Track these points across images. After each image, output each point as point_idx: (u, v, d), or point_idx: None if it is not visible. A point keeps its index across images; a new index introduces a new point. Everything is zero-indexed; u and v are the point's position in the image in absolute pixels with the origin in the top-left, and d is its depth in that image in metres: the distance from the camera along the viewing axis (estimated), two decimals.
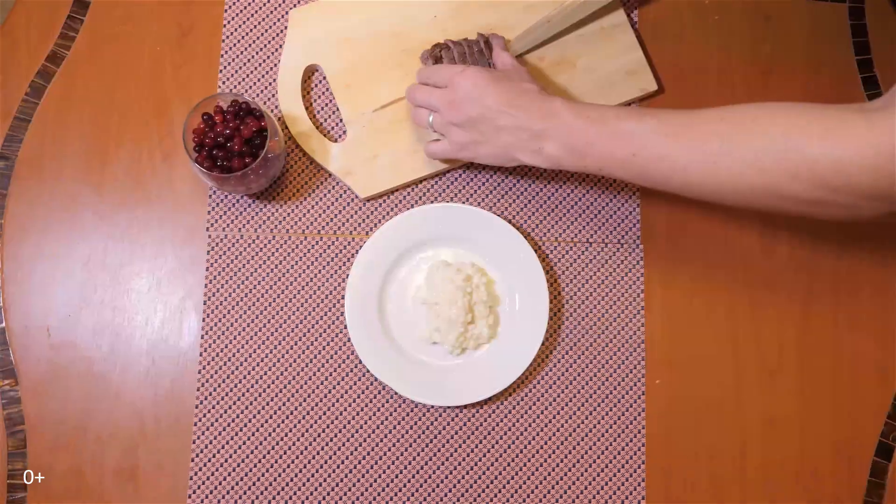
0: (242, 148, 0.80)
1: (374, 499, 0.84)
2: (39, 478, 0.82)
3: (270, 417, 0.85)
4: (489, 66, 0.85)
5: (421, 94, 0.82)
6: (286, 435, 0.84)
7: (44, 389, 0.84)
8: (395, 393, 0.85)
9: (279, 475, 0.84)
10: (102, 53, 0.90)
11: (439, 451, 0.85)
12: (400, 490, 0.84)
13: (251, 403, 0.85)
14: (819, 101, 0.90)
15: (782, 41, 0.94)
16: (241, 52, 0.90)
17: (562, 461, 0.86)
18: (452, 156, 0.82)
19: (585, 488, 0.85)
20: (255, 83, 0.90)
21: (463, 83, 0.77)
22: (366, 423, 0.85)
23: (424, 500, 0.84)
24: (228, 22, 0.90)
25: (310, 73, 0.90)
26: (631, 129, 0.71)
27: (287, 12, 0.91)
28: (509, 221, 0.88)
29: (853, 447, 0.88)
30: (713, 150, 0.66)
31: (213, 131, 0.80)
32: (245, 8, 0.91)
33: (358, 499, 0.84)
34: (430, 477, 0.85)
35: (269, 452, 0.84)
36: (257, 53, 0.90)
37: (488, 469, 0.85)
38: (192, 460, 0.83)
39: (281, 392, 0.85)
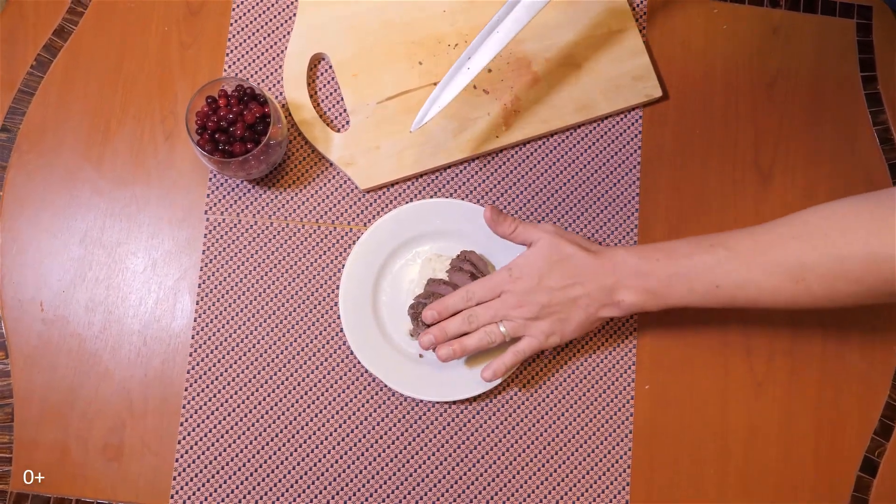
0: (245, 133, 0.80)
1: (360, 490, 0.84)
2: (40, 478, 0.82)
3: (259, 403, 0.85)
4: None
5: (470, 318, 0.78)
6: (274, 422, 0.84)
7: (34, 364, 0.84)
8: (386, 386, 0.85)
9: (265, 462, 0.84)
10: (110, 30, 0.90)
11: (426, 445, 0.85)
12: (385, 483, 0.84)
13: (241, 388, 0.85)
14: (821, 116, 0.93)
15: (789, 53, 0.94)
16: (249, 37, 0.90)
17: (549, 460, 0.86)
18: (542, 348, 0.79)
19: (572, 487, 0.85)
20: (260, 68, 0.90)
21: (518, 280, 0.77)
22: (354, 413, 0.85)
23: (409, 493, 0.84)
24: (238, 5, 0.90)
25: (316, 61, 0.90)
26: (705, 263, 0.73)
27: None
28: None
29: (837, 461, 0.88)
30: (796, 269, 0.70)
31: (216, 115, 0.80)
32: None
33: (344, 488, 0.84)
34: (415, 471, 0.85)
35: (256, 438, 0.84)
36: (265, 38, 0.90)
37: (475, 465, 0.85)
38: (179, 442, 0.83)
39: (271, 379, 0.85)
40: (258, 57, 0.90)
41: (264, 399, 0.85)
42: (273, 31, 0.90)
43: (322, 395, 0.85)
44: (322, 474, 0.84)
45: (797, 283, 0.70)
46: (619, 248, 0.77)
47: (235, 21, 0.90)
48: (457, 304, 0.79)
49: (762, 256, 0.71)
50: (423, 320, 0.81)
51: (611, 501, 0.85)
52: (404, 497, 0.84)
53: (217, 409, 0.84)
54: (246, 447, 0.84)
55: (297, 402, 0.85)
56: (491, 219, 0.80)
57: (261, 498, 0.83)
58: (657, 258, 0.75)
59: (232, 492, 0.83)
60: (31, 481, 0.82)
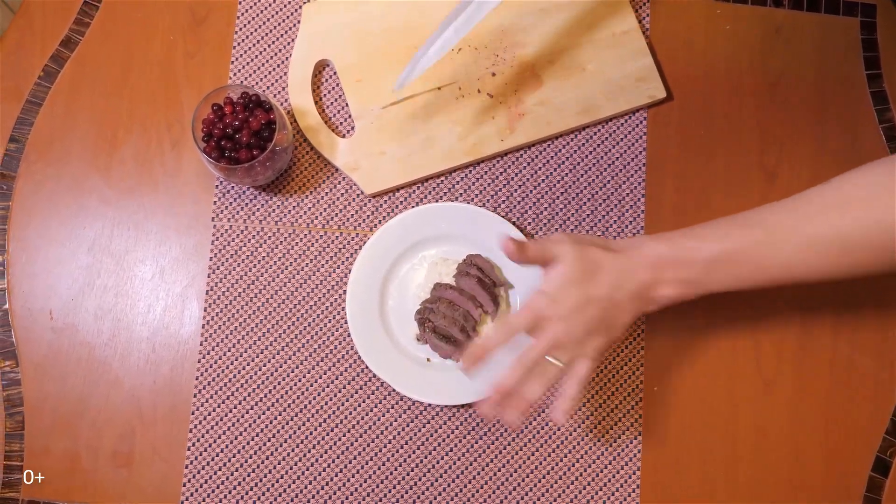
0: (250, 140, 0.80)
1: (369, 494, 0.84)
2: (40, 478, 0.82)
3: (268, 409, 0.85)
4: (494, 297, 0.84)
5: (523, 360, 0.70)
6: (283, 427, 0.85)
7: (44, 372, 0.84)
8: (393, 390, 0.85)
9: (274, 467, 0.84)
10: (116, 40, 0.90)
11: (435, 449, 0.85)
12: (395, 486, 0.84)
13: (249, 394, 0.85)
14: (827, 115, 0.93)
15: (792, 53, 0.94)
16: (254, 44, 0.91)
17: (559, 462, 0.86)
18: (598, 364, 0.77)
19: (582, 490, 0.85)
20: (265, 75, 0.90)
21: (559, 304, 0.70)
22: (363, 418, 0.85)
23: (418, 498, 0.84)
24: (242, 13, 0.91)
25: (320, 67, 0.90)
26: (744, 246, 0.70)
27: (301, 6, 0.91)
28: (513, 223, 0.88)
29: (848, 462, 0.87)
30: (841, 242, 0.67)
31: (221, 122, 0.81)
32: (259, 0, 0.91)
33: (352, 493, 0.84)
34: (425, 475, 0.85)
35: (265, 444, 0.84)
36: (269, 46, 0.91)
37: (484, 468, 0.85)
38: (188, 449, 0.83)
39: (279, 384, 0.85)
40: (263, 64, 0.90)
41: (273, 404, 0.85)
42: (277, 39, 0.91)
43: (330, 399, 0.85)
44: (331, 479, 0.84)
45: (844, 257, 0.67)
46: (644, 240, 0.72)
47: (240, 29, 0.91)
48: (499, 342, 0.71)
49: (803, 232, 0.68)
50: (463, 370, 0.71)
51: (622, 502, 0.85)
52: (413, 502, 0.84)
53: (226, 415, 0.84)
54: (255, 453, 0.84)
55: (305, 406, 0.85)
56: (516, 250, 0.72)
57: (271, 503, 0.83)
58: (690, 246, 0.71)
59: (242, 497, 0.83)
60: (31, 481, 0.82)
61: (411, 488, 0.84)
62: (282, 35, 0.91)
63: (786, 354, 0.89)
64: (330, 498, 0.84)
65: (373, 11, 0.90)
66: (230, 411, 0.84)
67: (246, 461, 0.84)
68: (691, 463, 0.86)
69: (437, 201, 0.89)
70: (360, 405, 0.85)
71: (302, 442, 0.84)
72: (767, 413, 0.88)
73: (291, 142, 0.85)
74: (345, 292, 0.86)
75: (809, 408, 0.88)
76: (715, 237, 0.71)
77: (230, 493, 0.83)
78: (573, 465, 0.86)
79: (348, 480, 0.84)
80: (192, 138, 0.79)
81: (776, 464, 0.87)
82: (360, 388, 0.86)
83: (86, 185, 0.88)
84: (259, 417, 0.85)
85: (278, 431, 0.84)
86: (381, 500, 0.84)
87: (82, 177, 0.88)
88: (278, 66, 0.91)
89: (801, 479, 0.87)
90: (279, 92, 0.90)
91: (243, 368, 0.85)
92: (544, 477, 0.85)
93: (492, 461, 0.85)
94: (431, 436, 0.85)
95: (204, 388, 0.85)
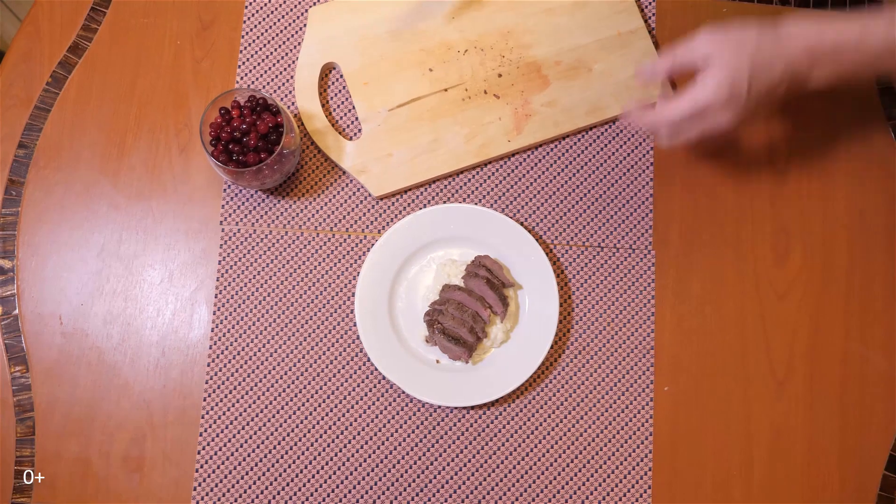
0: (258, 143, 0.80)
1: (380, 497, 0.84)
2: (40, 478, 0.83)
3: (278, 412, 0.85)
4: (503, 297, 0.84)
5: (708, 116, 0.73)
6: (293, 430, 0.85)
7: (54, 377, 0.84)
8: (403, 392, 0.85)
9: (285, 470, 0.84)
10: (123, 46, 0.91)
11: (446, 451, 0.85)
12: (406, 489, 0.84)
13: (259, 397, 0.85)
14: (835, 113, 0.92)
15: None
16: (260, 49, 0.91)
17: (569, 464, 0.85)
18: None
19: (592, 492, 0.85)
20: (272, 79, 0.90)
21: (728, 100, 0.72)
22: (373, 421, 0.85)
23: (430, 499, 0.84)
24: (249, 18, 0.91)
25: (327, 70, 0.91)
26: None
27: (307, 10, 0.91)
28: (521, 223, 0.88)
29: (862, 461, 0.87)
30: None
31: (229, 126, 0.81)
32: (266, 5, 0.92)
33: (363, 496, 0.84)
34: (436, 476, 0.85)
35: (275, 447, 0.84)
36: (276, 50, 0.91)
37: (495, 470, 0.85)
38: (199, 452, 0.83)
39: (289, 387, 0.85)
40: (270, 68, 0.91)
41: (282, 407, 0.85)
42: (283, 43, 0.91)
43: (340, 402, 0.85)
44: (342, 481, 0.84)
45: None
46: (794, 23, 0.72)
47: (246, 34, 0.91)
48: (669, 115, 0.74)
49: None
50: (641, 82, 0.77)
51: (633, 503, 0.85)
52: (424, 503, 0.84)
53: (236, 418, 0.84)
54: (265, 455, 0.84)
55: (315, 409, 0.85)
56: (653, 70, 0.75)
57: None
58: (841, 30, 0.70)
59: (253, 500, 0.83)
60: (31, 481, 0.82)
61: (422, 490, 0.84)
62: (288, 39, 0.91)
63: (797, 352, 0.88)
64: (341, 500, 0.84)
65: (379, 15, 0.91)
66: (240, 414, 0.84)
67: (256, 464, 0.84)
68: (704, 463, 0.86)
69: (444, 203, 0.89)
70: (369, 407, 0.85)
71: (312, 444, 0.84)
72: (781, 412, 0.87)
73: (299, 145, 0.85)
74: (353, 295, 0.86)
75: (823, 406, 0.87)
76: (858, 21, 0.71)
77: (241, 495, 0.83)
78: (584, 465, 0.85)
79: (360, 481, 0.84)
80: (201, 142, 0.79)
81: (791, 464, 0.86)
82: (370, 391, 0.86)
83: (95, 190, 0.88)
84: (269, 420, 0.85)
85: (288, 434, 0.84)
86: (392, 501, 0.84)
87: (91, 182, 0.88)
88: (285, 69, 0.91)
89: (817, 477, 0.86)
90: (286, 95, 0.90)
91: (253, 372, 0.85)
92: (555, 478, 0.85)
93: (502, 462, 0.85)
94: (442, 437, 0.85)
95: (214, 391, 0.85)
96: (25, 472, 0.83)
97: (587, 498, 0.85)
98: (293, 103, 0.90)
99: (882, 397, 0.88)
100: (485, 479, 0.85)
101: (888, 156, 0.92)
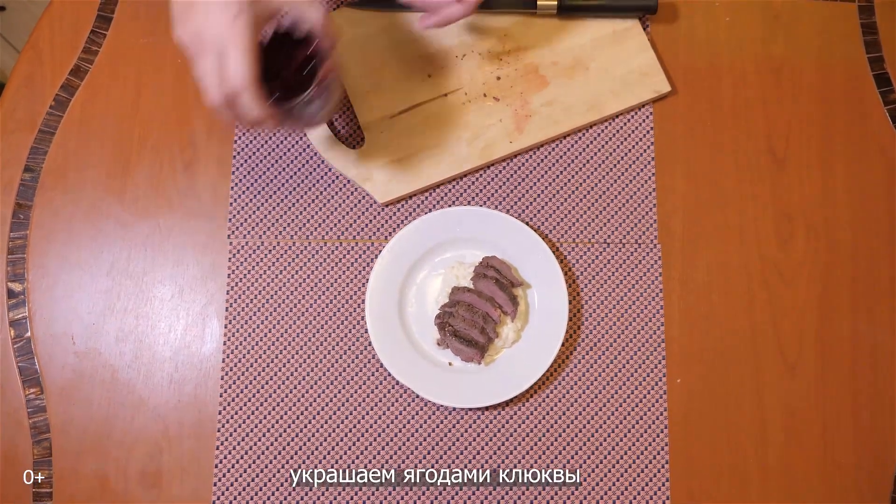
0: (297, 74, 0.74)
1: (397, 501, 0.84)
2: (40, 478, 0.83)
3: (293, 421, 0.85)
4: (512, 297, 0.85)
5: None
6: (310, 438, 0.85)
7: (69, 397, 0.85)
8: (417, 396, 0.85)
9: (303, 478, 0.84)
10: (125, 67, 0.92)
11: (462, 452, 0.85)
12: (424, 493, 0.84)
13: (274, 408, 0.85)
14: (832, 99, 0.93)
15: (793, 40, 0.95)
16: None
17: (585, 462, 0.85)
18: None
19: (611, 487, 0.85)
20: None
21: None
22: (388, 426, 0.85)
23: (445, 501, 0.84)
24: None
25: None
26: None
27: None
28: (526, 223, 0.88)
29: (878, 444, 0.87)
30: None
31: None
32: None
33: (380, 501, 0.84)
34: (451, 477, 0.84)
35: (292, 456, 0.84)
36: None
37: (511, 471, 0.85)
38: (216, 466, 0.83)
39: (303, 396, 0.85)
40: None
41: (298, 416, 0.85)
42: None
43: (355, 408, 0.85)
44: (359, 490, 0.84)
45: None
46: None
47: None
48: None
49: None
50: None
51: (651, 499, 0.85)
52: None
53: (252, 430, 0.84)
54: (283, 465, 0.84)
55: (330, 416, 0.85)
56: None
57: None
58: None
59: None
60: (31, 481, 0.82)
61: (440, 494, 0.84)
62: None
63: (807, 335, 0.88)
64: None
65: (379, 24, 0.92)
66: (256, 426, 0.85)
67: (274, 475, 0.84)
68: (720, 451, 0.86)
69: (449, 206, 0.90)
70: (384, 412, 0.85)
71: (329, 451, 0.84)
72: (794, 395, 0.87)
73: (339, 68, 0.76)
74: (363, 302, 0.87)
75: (835, 388, 0.88)
76: None
77: None
78: (600, 463, 0.85)
79: (377, 489, 0.84)
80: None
81: (806, 446, 0.86)
82: (384, 396, 0.86)
83: (101, 209, 0.88)
84: (285, 430, 0.85)
85: (305, 442, 0.84)
86: None
87: (98, 202, 0.89)
88: None
89: (832, 458, 0.86)
90: None
91: (267, 382, 0.85)
92: (571, 476, 0.85)
93: (520, 461, 0.85)
94: (458, 439, 0.85)
95: (229, 404, 0.85)
96: (25, 473, 0.83)
97: (606, 493, 0.85)
98: None
99: (893, 375, 0.88)
100: (500, 481, 0.85)
101: (886, 139, 0.93)
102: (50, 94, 0.91)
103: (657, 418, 0.87)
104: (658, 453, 0.86)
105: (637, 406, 0.87)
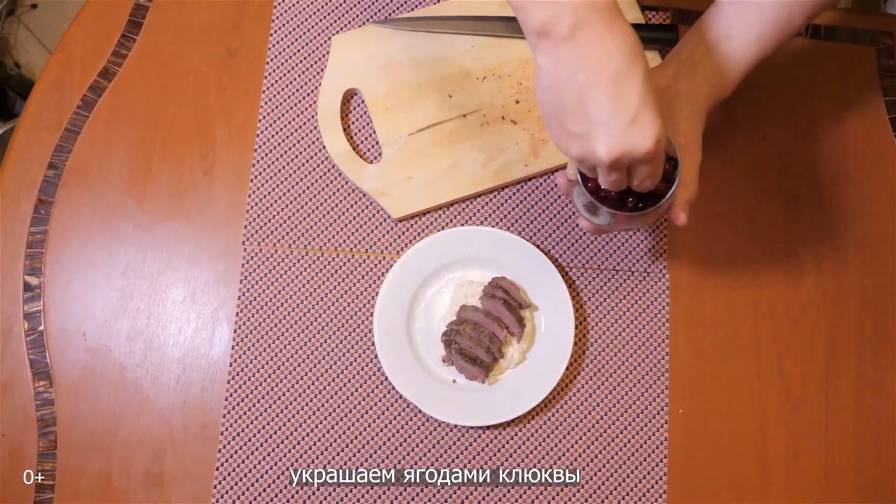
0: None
1: (397, 502, 0.85)
2: (40, 478, 0.84)
3: (296, 430, 0.86)
4: (519, 318, 0.85)
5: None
6: (310, 448, 0.85)
7: (77, 392, 0.86)
8: (420, 411, 0.86)
9: (302, 488, 0.84)
10: (152, 72, 0.94)
11: (462, 469, 0.85)
12: (423, 493, 0.85)
13: (277, 415, 0.86)
14: (846, 141, 0.94)
15: (810, 80, 0.96)
16: (284, 75, 0.94)
17: (583, 488, 0.86)
18: None
19: None
20: (296, 104, 0.93)
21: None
22: (390, 440, 0.86)
23: (447, 502, 0.85)
24: (274, 45, 0.94)
25: (349, 95, 0.93)
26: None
27: (330, 38, 0.94)
28: (537, 246, 0.89)
29: (879, 484, 0.87)
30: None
31: None
32: (290, 32, 0.95)
33: (381, 502, 0.84)
34: (452, 496, 0.85)
35: (292, 464, 0.85)
36: (300, 76, 0.94)
37: (510, 491, 0.85)
38: (217, 469, 0.84)
39: (307, 405, 0.86)
40: (293, 93, 0.93)
41: (300, 425, 0.86)
42: (308, 69, 0.94)
43: (357, 420, 0.86)
44: (359, 500, 0.84)
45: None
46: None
47: (271, 60, 0.94)
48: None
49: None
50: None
51: None
52: None
53: (254, 436, 0.85)
54: (283, 473, 0.85)
55: (332, 427, 0.86)
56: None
57: None
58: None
59: None
60: (31, 481, 0.83)
61: (440, 494, 0.85)
62: (312, 65, 0.94)
63: (811, 374, 0.89)
64: None
65: (401, 44, 0.93)
66: (258, 432, 0.85)
67: (274, 481, 0.84)
68: (720, 486, 0.86)
69: (462, 225, 0.91)
70: (387, 426, 0.86)
71: (330, 462, 0.85)
72: (796, 435, 0.87)
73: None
74: (372, 315, 0.88)
75: (838, 429, 0.88)
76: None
77: None
78: (599, 487, 0.86)
79: (376, 500, 0.85)
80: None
81: (807, 486, 0.86)
82: (387, 409, 0.87)
83: (121, 210, 0.90)
84: (287, 438, 0.85)
85: (306, 452, 0.85)
86: None
87: (118, 203, 0.90)
88: (308, 94, 0.93)
89: (834, 499, 0.86)
90: (309, 119, 0.93)
91: (272, 389, 0.86)
92: (570, 499, 0.85)
93: (519, 482, 0.85)
94: (458, 457, 0.86)
95: (233, 408, 0.86)
96: (25, 473, 0.83)
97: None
98: (315, 127, 0.92)
99: None
100: (501, 498, 0.85)
101: None
102: (77, 95, 0.92)
103: (657, 447, 0.87)
104: (656, 483, 0.86)
105: (638, 434, 0.87)
